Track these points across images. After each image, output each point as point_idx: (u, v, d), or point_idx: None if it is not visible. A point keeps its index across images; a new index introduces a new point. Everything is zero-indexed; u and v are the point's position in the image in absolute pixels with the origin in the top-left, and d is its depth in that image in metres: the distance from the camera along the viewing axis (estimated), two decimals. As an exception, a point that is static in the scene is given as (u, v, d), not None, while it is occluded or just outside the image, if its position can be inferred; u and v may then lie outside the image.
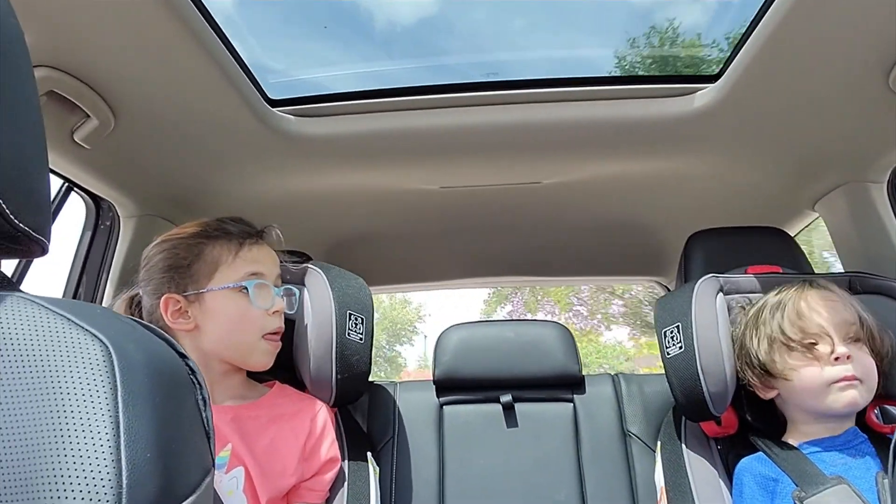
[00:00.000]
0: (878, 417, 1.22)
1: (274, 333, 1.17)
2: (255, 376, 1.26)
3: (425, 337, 20.75)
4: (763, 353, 1.17)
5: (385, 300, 20.22)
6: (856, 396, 1.11)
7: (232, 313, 1.13)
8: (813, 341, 1.13)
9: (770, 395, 1.20)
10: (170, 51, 1.14)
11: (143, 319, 1.12)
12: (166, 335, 0.56)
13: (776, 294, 1.22)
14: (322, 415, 1.22)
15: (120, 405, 0.43)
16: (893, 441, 0.49)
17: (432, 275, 2.41)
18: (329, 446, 1.20)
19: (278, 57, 1.53)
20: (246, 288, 1.14)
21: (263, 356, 1.16)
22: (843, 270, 1.60)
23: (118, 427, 0.42)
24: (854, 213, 1.59)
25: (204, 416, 0.55)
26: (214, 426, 1.06)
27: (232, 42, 1.25)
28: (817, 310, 1.15)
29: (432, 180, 1.76)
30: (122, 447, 0.41)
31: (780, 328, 1.16)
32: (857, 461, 1.11)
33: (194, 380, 0.56)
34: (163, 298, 1.13)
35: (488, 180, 1.77)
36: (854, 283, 1.32)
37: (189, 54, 1.15)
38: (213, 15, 1.16)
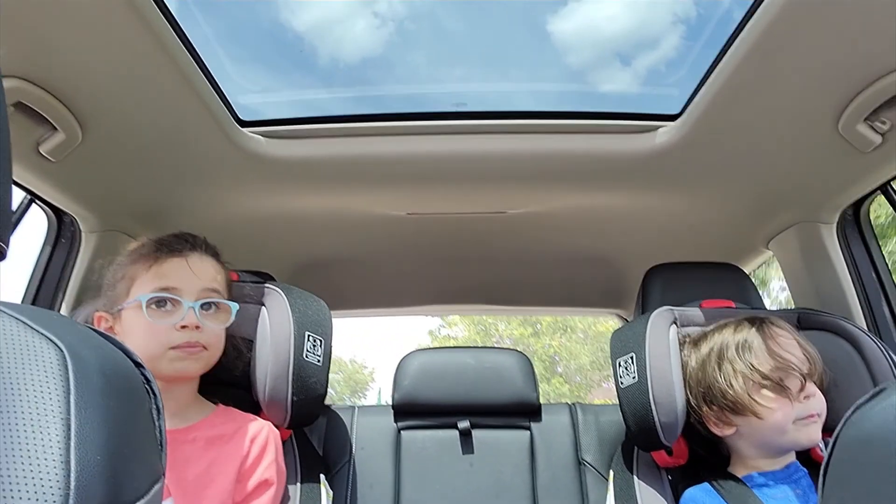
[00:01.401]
0: (822, 450, 1.25)
1: (187, 346, 1.12)
2: (206, 395, 1.24)
3: (380, 389, 22.77)
4: (738, 390, 1.16)
5: (348, 365, 23.17)
6: (818, 432, 1.15)
7: (138, 328, 1.12)
8: (782, 378, 1.15)
9: (727, 431, 1.20)
10: (142, 67, 1.15)
11: None
12: (123, 344, 0.57)
13: (735, 332, 1.23)
14: (263, 435, 1.19)
15: (72, 408, 0.43)
16: (823, 464, 0.51)
17: (396, 301, 2.42)
18: (265, 468, 1.16)
19: (251, 77, 1.54)
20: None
21: (172, 363, 1.11)
22: (794, 306, 1.65)
23: (69, 429, 0.42)
24: (805, 251, 1.65)
25: (157, 425, 0.56)
26: None
27: (204, 61, 1.26)
28: (785, 348, 1.18)
29: (399, 206, 1.78)
30: (72, 449, 0.41)
31: (751, 365, 1.17)
32: (797, 494, 1.14)
33: (149, 389, 0.56)
34: (95, 316, 1.17)
35: (455, 208, 1.79)
36: (802, 319, 1.37)
37: (160, 71, 1.16)
38: (186, 34, 1.17)
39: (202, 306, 1.15)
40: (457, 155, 1.53)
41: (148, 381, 0.57)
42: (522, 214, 1.81)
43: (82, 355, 0.47)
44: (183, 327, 1.12)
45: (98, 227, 1.60)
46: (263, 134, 1.49)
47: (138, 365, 0.56)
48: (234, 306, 1.21)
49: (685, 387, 1.26)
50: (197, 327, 1.13)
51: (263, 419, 1.24)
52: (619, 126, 1.50)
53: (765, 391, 1.15)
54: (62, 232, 1.59)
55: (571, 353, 16.32)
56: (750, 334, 1.21)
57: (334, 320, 1.40)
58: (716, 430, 1.22)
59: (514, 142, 1.51)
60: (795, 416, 1.14)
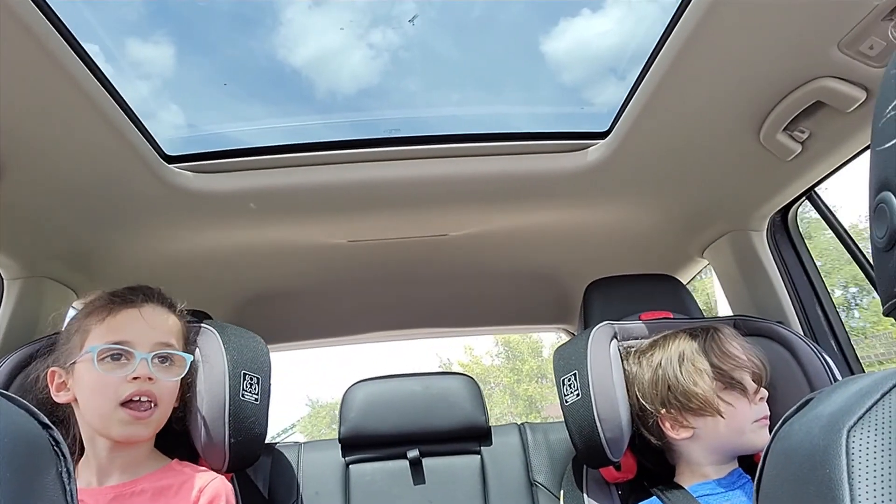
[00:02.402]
0: (764, 456, 1.27)
1: (134, 402, 1.10)
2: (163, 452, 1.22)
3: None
4: (704, 387, 1.17)
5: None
6: (769, 435, 1.16)
7: (88, 381, 1.10)
8: (741, 379, 1.18)
9: (684, 434, 1.21)
10: (57, 108, 1.11)
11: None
12: (28, 405, 0.54)
13: (689, 338, 1.25)
14: (213, 487, 1.16)
15: None
16: (756, 479, 0.51)
17: (343, 329, 2.38)
18: None
19: (176, 111, 1.51)
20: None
21: (123, 427, 1.09)
22: (730, 314, 1.68)
23: None
24: (738, 259, 1.69)
25: (67, 489, 0.53)
26: None
27: (123, 97, 1.22)
28: (741, 350, 1.22)
29: (339, 234, 1.76)
30: None
31: (714, 365, 1.19)
32: (741, 500, 1.16)
33: (58, 451, 0.53)
34: (48, 371, 1.15)
35: (396, 233, 1.78)
36: (739, 325, 1.39)
37: (76, 109, 1.12)
38: (101, 69, 1.14)
39: (156, 358, 1.13)
40: (393, 180, 1.52)
41: (57, 442, 0.54)
42: (464, 236, 1.81)
43: None
44: (134, 378, 1.09)
45: (21, 274, 1.53)
46: (191, 169, 1.45)
47: (46, 426, 0.53)
48: (189, 357, 1.19)
49: (633, 397, 1.27)
50: (149, 379, 1.11)
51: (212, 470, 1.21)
52: (551, 146, 1.52)
53: (727, 391, 1.18)
54: (-19, 280, 1.52)
55: (544, 396, 20.64)
56: (706, 339, 1.24)
57: (282, 354, 1.37)
58: (672, 434, 1.22)
59: (450, 166, 1.51)
60: (753, 417, 1.17)
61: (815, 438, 0.42)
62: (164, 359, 1.15)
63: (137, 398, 1.10)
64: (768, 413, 1.20)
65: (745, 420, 1.17)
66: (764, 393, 1.20)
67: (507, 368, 21.47)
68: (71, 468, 0.52)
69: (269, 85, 1.71)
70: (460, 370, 21.36)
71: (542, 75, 1.77)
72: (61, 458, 0.52)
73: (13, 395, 0.52)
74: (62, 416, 1.16)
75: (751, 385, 1.19)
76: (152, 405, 1.11)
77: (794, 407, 0.49)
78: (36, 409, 0.53)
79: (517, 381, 20.98)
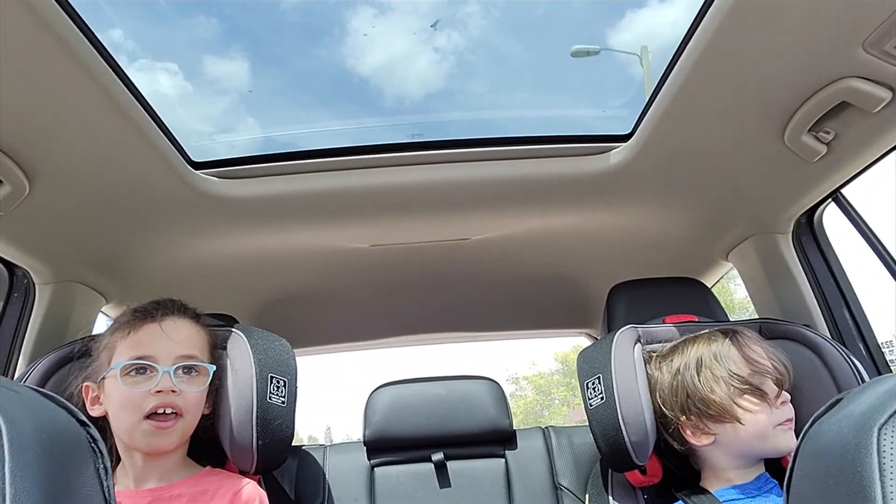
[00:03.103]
0: (792, 459, 1.26)
1: (158, 414, 1.12)
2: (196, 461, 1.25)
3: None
4: (720, 395, 1.16)
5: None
6: (794, 438, 1.16)
7: (115, 396, 1.14)
8: (760, 384, 1.17)
9: (705, 441, 1.20)
10: (87, 115, 1.13)
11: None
12: (67, 403, 0.55)
13: (709, 342, 1.24)
14: (247, 491, 1.19)
15: (7, 477, 0.42)
16: (786, 479, 0.51)
17: (364, 334, 2.40)
18: None
19: (202, 118, 1.54)
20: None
21: (147, 438, 1.11)
22: (756, 317, 1.67)
23: (4, 499, 0.41)
24: (763, 262, 1.67)
25: (105, 485, 0.54)
26: None
27: (151, 104, 1.25)
28: (761, 354, 1.20)
29: (362, 239, 1.77)
30: None
31: (731, 371, 1.17)
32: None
33: (95, 448, 0.55)
34: (83, 386, 1.20)
35: (418, 237, 1.79)
36: (764, 329, 1.38)
37: (107, 118, 1.15)
38: (132, 79, 1.16)
39: (179, 370, 1.16)
40: (416, 185, 1.53)
41: (94, 440, 0.55)
42: (486, 240, 1.82)
43: (18, 421, 0.46)
44: (158, 392, 1.12)
45: (52, 279, 1.56)
46: (217, 175, 1.48)
47: (83, 424, 0.55)
48: (212, 368, 1.21)
49: (656, 402, 1.26)
50: (173, 391, 1.13)
51: (249, 477, 1.24)
52: (573, 149, 1.52)
53: (746, 396, 1.16)
54: (14, 286, 1.55)
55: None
56: (724, 344, 1.22)
57: (303, 359, 1.38)
58: (693, 441, 1.21)
59: (473, 169, 1.52)
60: (775, 422, 1.15)
61: (845, 437, 0.42)
62: (187, 370, 1.18)
63: (162, 410, 1.12)
64: (793, 416, 1.18)
65: (766, 425, 1.15)
66: (786, 396, 1.19)
67: (562, 384, 22.58)
68: (108, 465, 0.54)
69: (338, 94, 1.75)
70: (527, 384, 23.24)
71: (610, 68, 1.78)
72: (99, 454, 0.54)
73: (53, 394, 0.54)
74: (99, 428, 1.19)
75: (771, 389, 1.17)
76: (176, 416, 1.14)
77: (824, 407, 0.49)
78: (74, 407, 0.54)
79: (572, 395, 21.52)
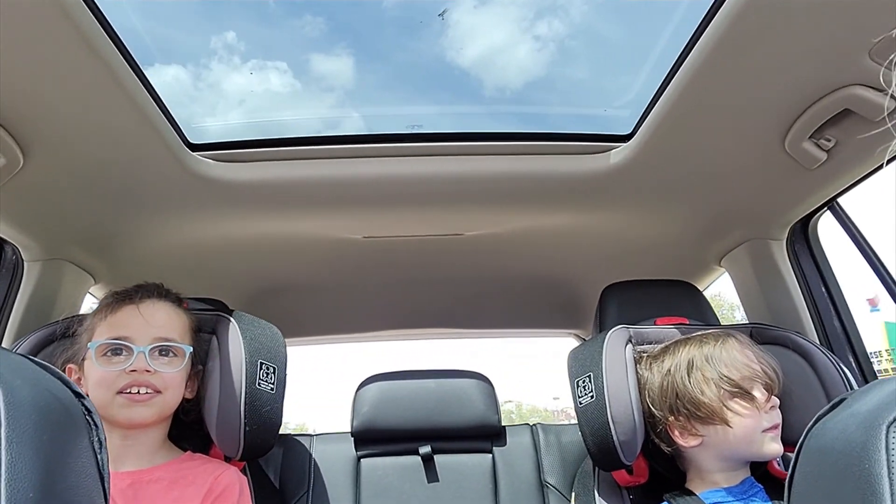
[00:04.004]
0: (779, 465, 1.26)
1: (132, 393, 1.13)
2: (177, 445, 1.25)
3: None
4: (710, 396, 1.17)
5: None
6: (780, 443, 1.17)
7: (91, 375, 1.15)
8: (750, 388, 1.17)
9: (692, 442, 1.20)
10: (85, 91, 1.11)
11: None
12: (62, 374, 0.55)
13: (700, 344, 1.24)
14: (227, 476, 1.19)
15: (2, 443, 0.42)
16: (787, 477, 0.51)
17: (354, 326, 2.39)
18: None
19: (200, 100, 1.53)
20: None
21: (122, 409, 1.12)
22: (746, 321, 1.67)
23: (0, 465, 0.40)
24: (756, 268, 1.68)
25: (99, 458, 0.54)
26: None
27: (152, 83, 1.23)
28: (752, 359, 1.21)
29: (355, 229, 1.76)
30: (3, 486, 0.40)
31: (721, 374, 1.18)
32: None
33: (90, 420, 0.54)
34: (66, 368, 1.20)
35: (411, 231, 1.78)
36: (755, 334, 1.39)
37: (103, 93, 1.13)
38: (133, 56, 1.15)
39: (154, 351, 1.17)
40: (412, 177, 1.52)
41: (89, 411, 0.55)
42: (480, 236, 1.81)
43: (15, 388, 0.45)
44: (132, 371, 1.13)
45: (41, 256, 1.55)
46: (214, 157, 1.46)
47: (79, 395, 0.54)
48: (188, 349, 1.21)
49: (645, 402, 1.26)
50: (147, 371, 1.14)
51: (234, 464, 1.24)
52: (573, 147, 1.52)
53: (736, 399, 1.17)
54: (2, 262, 1.53)
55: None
56: (716, 346, 1.22)
57: (291, 349, 1.38)
58: (681, 441, 1.21)
59: (470, 163, 1.51)
60: (763, 426, 1.15)
61: (851, 435, 0.41)
62: (164, 351, 1.18)
63: (136, 390, 1.13)
64: (780, 422, 1.19)
65: (754, 429, 1.15)
66: (775, 402, 1.19)
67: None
68: (103, 438, 0.53)
69: (438, 86, 1.76)
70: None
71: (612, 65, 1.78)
72: (93, 426, 0.53)
73: (47, 364, 0.53)
74: None
75: (761, 394, 1.17)
76: (152, 393, 1.14)
77: (827, 406, 0.49)
78: (69, 379, 0.53)
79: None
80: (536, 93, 1.71)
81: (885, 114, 1.09)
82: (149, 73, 1.16)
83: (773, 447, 1.16)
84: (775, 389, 1.21)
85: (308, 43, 1.46)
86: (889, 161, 1.23)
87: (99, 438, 0.52)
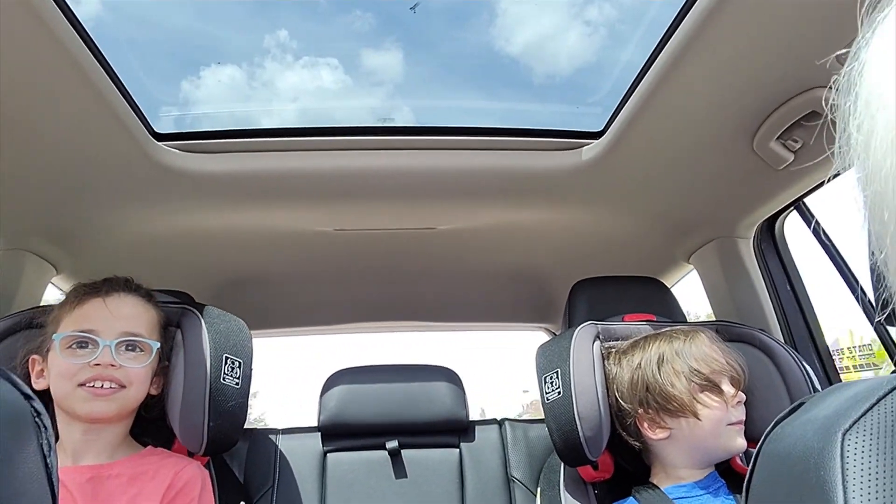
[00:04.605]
0: (741, 460, 1.28)
1: (95, 387, 1.12)
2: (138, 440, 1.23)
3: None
4: (680, 389, 1.19)
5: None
6: (744, 439, 1.19)
7: (55, 367, 1.13)
8: (719, 382, 1.19)
9: (661, 435, 1.21)
10: (48, 80, 1.08)
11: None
12: (11, 375, 0.53)
13: (670, 340, 1.26)
14: (189, 471, 1.17)
15: None
16: (745, 480, 0.51)
17: (324, 319, 2.37)
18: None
19: (168, 90, 1.51)
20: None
21: (83, 403, 1.11)
22: (713, 319, 1.69)
23: None
24: (724, 266, 1.70)
25: (48, 461, 0.52)
26: (66, 490, 1.02)
27: (116, 72, 1.20)
28: (720, 354, 1.23)
29: (326, 222, 1.74)
30: None
31: (692, 368, 1.20)
32: (716, 502, 1.17)
33: (39, 422, 0.53)
34: (29, 359, 1.18)
35: (383, 224, 1.77)
36: (721, 331, 1.40)
37: (67, 81, 1.10)
38: (96, 43, 1.11)
39: (121, 346, 1.15)
40: (384, 170, 1.51)
41: (38, 413, 0.53)
42: (451, 230, 1.81)
43: None
44: (96, 365, 1.11)
45: (1, 246, 1.51)
46: (180, 148, 1.43)
47: (27, 397, 0.52)
48: (155, 345, 1.19)
49: (612, 397, 1.27)
50: (112, 365, 1.12)
51: (197, 459, 1.23)
52: (545, 143, 1.52)
53: (706, 393, 1.18)
54: (-41, 251, 1.49)
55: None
56: (685, 341, 1.25)
57: (260, 341, 1.36)
58: (650, 434, 1.23)
59: (443, 158, 1.50)
60: (730, 420, 1.18)
61: (809, 441, 0.42)
62: (130, 346, 1.17)
63: (99, 385, 1.11)
64: (744, 417, 1.21)
65: (720, 422, 1.17)
66: (742, 397, 1.21)
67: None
68: (52, 440, 0.52)
69: (487, 75, 1.74)
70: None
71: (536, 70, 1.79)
72: (42, 428, 0.51)
73: None
74: (43, 403, 1.15)
75: (729, 388, 1.20)
76: (115, 388, 1.13)
77: (787, 410, 0.50)
78: (18, 380, 0.52)
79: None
80: (584, 76, 1.70)
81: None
82: (204, 74, 1.15)
83: (738, 442, 1.18)
84: (741, 385, 1.23)
85: (358, 37, 1.47)
86: (832, 178, 1.25)
87: (48, 440, 0.51)
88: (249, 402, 1.28)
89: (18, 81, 1.07)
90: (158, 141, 1.40)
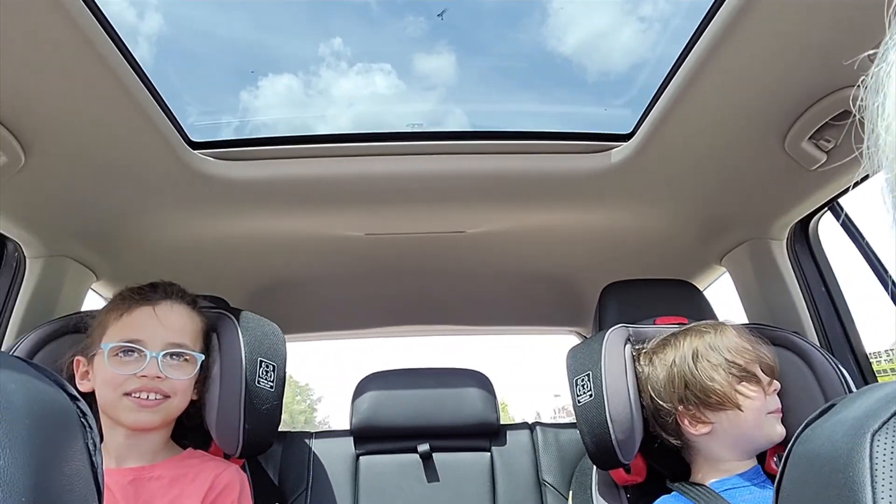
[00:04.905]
0: (776, 464, 1.26)
1: (141, 398, 1.13)
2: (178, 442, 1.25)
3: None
4: (720, 382, 1.19)
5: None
6: (783, 428, 1.20)
7: (101, 374, 1.14)
8: (755, 371, 1.20)
9: (703, 430, 1.21)
10: (86, 89, 1.12)
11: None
12: (58, 376, 0.55)
13: (700, 334, 1.26)
14: (228, 474, 1.19)
15: None
16: (776, 482, 0.51)
17: (355, 323, 2.39)
18: None
19: (203, 98, 1.54)
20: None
21: (129, 413, 1.12)
22: (746, 322, 1.67)
23: None
24: (757, 268, 1.68)
25: (94, 460, 0.54)
26: (109, 491, 1.04)
27: (152, 81, 1.24)
28: (750, 343, 1.24)
29: (357, 227, 1.76)
30: None
31: (727, 360, 1.20)
32: (763, 495, 1.16)
33: (85, 423, 0.54)
34: (74, 360, 1.20)
35: (413, 228, 1.79)
36: (754, 334, 1.38)
37: (105, 90, 1.13)
38: (133, 54, 1.15)
39: (167, 356, 1.16)
40: (414, 175, 1.53)
41: (83, 414, 0.55)
42: (481, 234, 1.81)
43: (8, 391, 0.45)
44: (143, 376, 1.12)
45: (43, 253, 1.55)
46: (215, 155, 1.46)
47: (73, 398, 0.54)
48: (200, 357, 1.21)
49: (647, 397, 1.27)
50: (158, 377, 1.13)
51: (233, 461, 1.24)
52: (574, 146, 1.52)
53: (744, 383, 1.19)
54: (5, 259, 1.54)
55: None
56: (716, 335, 1.25)
57: (292, 345, 1.38)
58: (692, 431, 1.22)
59: (470, 161, 1.51)
60: (769, 408, 1.18)
61: (838, 442, 0.42)
62: (176, 356, 1.18)
63: (146, 395, 1.13)
64: (780, 406, 1.22)
65: (761, 412, 1.18)
66: (776, 385, 1.22)
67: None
68: (97, 440, 0.53)
69: (541, 75, 1.75)
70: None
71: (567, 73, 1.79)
72: (88, 429, 0.53)
73: (42, 366, 0.53)
74: (88, 403, 1.18)
75: (764, 377, 1.20)
76: (160, 399, 1.14)
77: (817, 412, 0.49)
78: (64, 381, 0.53)
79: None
80: (640, 73, 1.70)
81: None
82: (262, 84, 1.18)
83: (778, 429, 1.19)
84: (775, 373, 1.24)
85: (411, 42, 1.50)
86: (862, 180, 1.23)
87: (94, 441, 0.53)
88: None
89: (56, 90, 1.11)
90: (194, 149, 1.43)
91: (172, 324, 1.19)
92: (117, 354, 1.14)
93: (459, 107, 1.58)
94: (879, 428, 0.40)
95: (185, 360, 1.19)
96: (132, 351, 1.14)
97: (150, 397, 1.13)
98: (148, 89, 1.21)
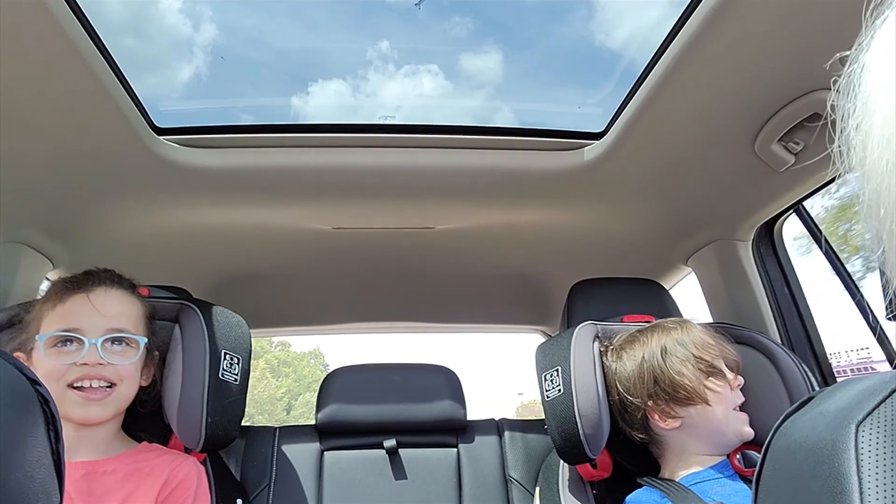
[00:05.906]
0: (739, 462, 1.28)
1: (87, 388, 1.10)
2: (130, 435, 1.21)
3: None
4: (689, 376, 1.21)
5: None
6: (748, 424, 1.23)
7: (41, 369, 1.10)
8: (720, 366, 1.23)
9: (673, 425, 1.23)
10: (48, 70, 1.07)
11: None
12: (18, 361, 0.52)
13: (666, 331, 1.28)
14: (185, 467, 1.16)
15: None
16: (755, 475, 0.51)
17: (320, 318, 2.36)
18: (182, 502, 1.13)
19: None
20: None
21: (77, 408, 1.09)
22: (711, 321, 1.69)
23: None
24: (722, 268, 1.70)
25: (55, 449, 0.51)
26: None
27: (118, 63, 1.19)
28: (715, 340, 1.27)
29: (325, 220, 1.74)
30: None
31: (695, 356, 1.22)
32: (734, 487, 1.17)
33: (47, 409, 0.52)
34: (14, 356, 1.12)
35: (382, 223, 1.77)
36: (719, 332, 1.40)
37: (69, 75, 1.09)
38: (99, 35, 1.11)
39: (107, 342, 1.12)
40: (384, 169, 1.51)
41: (45, 400, 0.52)
42: (451, 230, 1.80)
43: None
44: (83, 364, 1.09)
45: (-2, 239, 1.49)
46: (181, 142, 1.42)
47: (34, 382, 0.52)
48: (143, 340, 1.18)
49: (615, 392, 1.28)
50: (99, 364, 1.10)
51: (194, 455, 1.21)
52: (546, 143, 1.52)
53: (711, 378, 1.21)
54: (-46, 244, 1.48)
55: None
56: (682, 331, 1.27)
57: (256, 339, 1.35)
58: (661, 425, 1.24)
59: (442, 156, 1.50)
60: (735, 404, 1.21)
61: (821, 433, 0.42)
62: (117, 342, 1.14)
63: (88, 384, 1.09)
64: (743, 400, 1.25)
65: (728, 406, 1.21)
66: (741, 380, 1.25)
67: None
68: (59, 427, 0.51)
69: (588, 70, 1.72)
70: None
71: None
72: (49, 415, 0.51)
73: (2, 350, 0.50)
74: None
75: (729, 372, 1.23)
76: (108, 387, 1.11)
77: (797, 404, 0.49)
78: (23, 364, 0.51)
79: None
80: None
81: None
82: (312, 90, 1.16)
83: (744, 425, 1.22)
84: (738, 368, 1.27)
85: (457, 42, 1.50)
86: (829, 182, 1.27)
87: (55, 428, 0.50)
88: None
89: (18, 74, 1.07)
90: (159, 135, 1.39)
91: (109, 310, 1.16)
92: (55, 345, 1.10)
93: (507, 105, 1.57)
94: (864, 419, 0.40)
95: (128, 344, 1.16)
96: (70, 340, 1.11)
97: (93, 385, 1.10)
98: (113, 72, 1.17)
